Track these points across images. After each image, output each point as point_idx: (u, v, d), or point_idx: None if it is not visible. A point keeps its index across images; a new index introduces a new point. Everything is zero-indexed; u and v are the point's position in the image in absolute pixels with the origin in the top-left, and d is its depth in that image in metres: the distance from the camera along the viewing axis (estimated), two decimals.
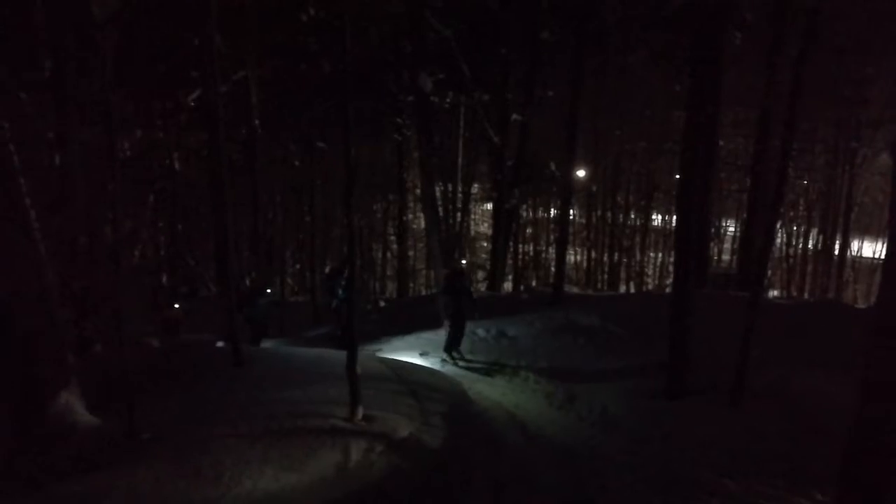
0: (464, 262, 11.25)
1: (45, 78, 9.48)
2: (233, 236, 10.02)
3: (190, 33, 14.15)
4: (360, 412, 5.49)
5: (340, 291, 11.47)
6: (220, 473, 4.41)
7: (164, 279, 18.20)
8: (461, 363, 10.21)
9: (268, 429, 5.05)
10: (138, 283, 14.27)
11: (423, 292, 29.59)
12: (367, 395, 5.72)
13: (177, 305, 13.39)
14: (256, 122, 14.24)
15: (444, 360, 10.34)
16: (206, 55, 7.84)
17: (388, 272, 32.45)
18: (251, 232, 18.40)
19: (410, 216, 27.89)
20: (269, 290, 13.13)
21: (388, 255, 32.25)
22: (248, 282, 16.06)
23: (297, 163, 22.76)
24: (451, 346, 10.38)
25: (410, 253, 29.73)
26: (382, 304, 17.76)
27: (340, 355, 6.17)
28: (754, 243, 15.05)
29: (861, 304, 21.01)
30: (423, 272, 31.96)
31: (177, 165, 16.65)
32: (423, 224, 22.39)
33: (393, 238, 30.30)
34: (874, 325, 3.76)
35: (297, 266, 29.86)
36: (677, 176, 18.59)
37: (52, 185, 8.01)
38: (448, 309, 10.65)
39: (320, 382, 6.30)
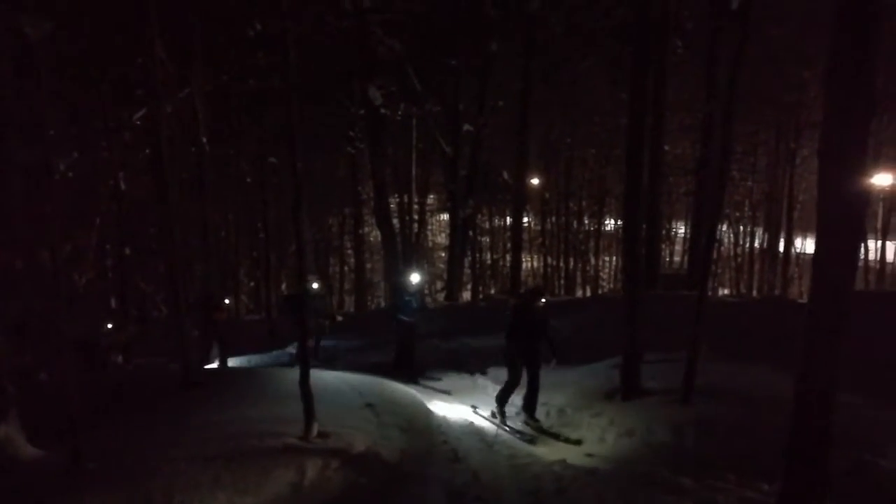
0: (542, 300, 7.97)
1: None
2: (183, 256, 9.72)
3: (133, 50, 13.89)
4: (315, 429, 5.42)
5: (412, 304, 10.02)
6: (170, 499, 4.29)
7: (113, 302, 17.66)
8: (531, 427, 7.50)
9: (220, 451, 4.93)
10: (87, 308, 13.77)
11: (382, 305, 29.47)
12: (323, 411, 5.64)
13: (227, 301, 11.36)
14: (204, 139, 14.02)
15: (493, 415, 7.81)
16: (150, 72, 7.69)
17: (346, 286, 32.20)
18: (202, 251, 18.01)
19: (367, 229, 27.80)
20: (315, 286, 10.69)
21: (346, 268, 32.02)
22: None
23: (248, 179, 22.47)
24: (505, 398, 7.80)
25: (368, 266, 29.59)
26: (339, 318, 17.61)
27: (293, 373, 6.08)
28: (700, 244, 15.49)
29: (805, 300, 21.70)
30: (381, 285, 31.84)
31: (123, 186, 16.23)
32: (379, 237, 22.39)
33: (350, 252, 30.12)
34: (807, 312, 3.96)
35: (252, 284, 29.38)
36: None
37: None
38: (513, 352, 7.67)
39: (274, 401, 6.21)
